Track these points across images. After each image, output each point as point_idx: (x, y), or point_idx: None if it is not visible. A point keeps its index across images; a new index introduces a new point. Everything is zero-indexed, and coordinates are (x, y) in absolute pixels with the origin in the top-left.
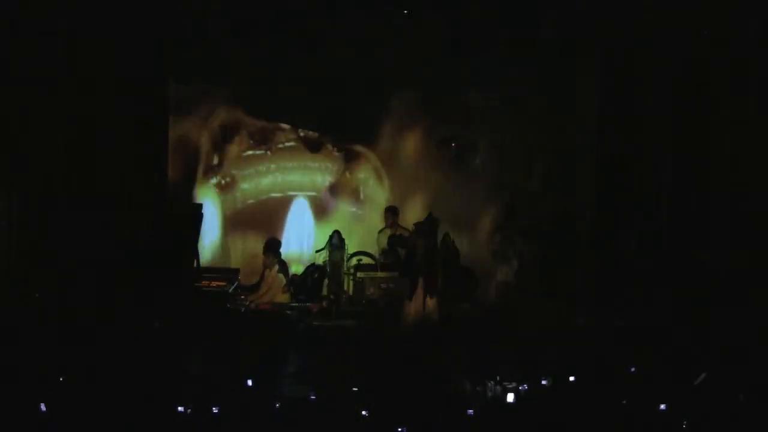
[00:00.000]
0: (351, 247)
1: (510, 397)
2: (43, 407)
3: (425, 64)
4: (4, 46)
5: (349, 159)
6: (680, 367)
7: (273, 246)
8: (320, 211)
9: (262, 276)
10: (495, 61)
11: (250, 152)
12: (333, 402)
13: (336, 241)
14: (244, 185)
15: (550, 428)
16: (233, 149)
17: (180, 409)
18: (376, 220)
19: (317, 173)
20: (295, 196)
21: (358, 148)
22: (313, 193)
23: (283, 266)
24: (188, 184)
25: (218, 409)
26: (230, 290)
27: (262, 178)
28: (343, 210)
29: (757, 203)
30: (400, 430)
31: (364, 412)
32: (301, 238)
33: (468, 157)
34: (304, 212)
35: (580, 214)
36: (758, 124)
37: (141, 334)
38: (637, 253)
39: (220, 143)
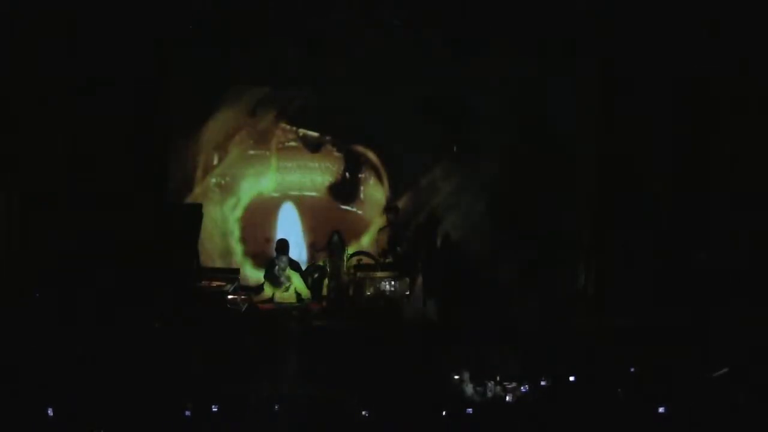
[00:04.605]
0: (351, 247)
1: (510, 397)
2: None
3: (425, 64)
4: (4, 46)
5: (349, 159)
6: (680, 367)
7: (282, 247)
8: (320, 211)
9: (265, 277)
10: (495, 61)
11: (250, 152)
12: (333, 402)
13: (336, 241)
14: (244, 185)
15: (550, 428)
16: (233, 149)
17: (180, 409)
18: (376, 220)
19: (317, 173)
20: (294, 196)
21: (358, 148)
22: (314, 193)
23: (295, 265)
24: (188, 183)
25: (218, 409)
26: (230, 290)
27: (262, 178)
28: (343, 210)
29: (757, 203)
30: (399, 429)
31: (364, 412)
32: (301, 238)
33: (468, 158)
34: (304, 212)
35: (580, 214)
36: (758, 124)
37: (141, 334)
38: (637, 253)
39: (220, 143)
